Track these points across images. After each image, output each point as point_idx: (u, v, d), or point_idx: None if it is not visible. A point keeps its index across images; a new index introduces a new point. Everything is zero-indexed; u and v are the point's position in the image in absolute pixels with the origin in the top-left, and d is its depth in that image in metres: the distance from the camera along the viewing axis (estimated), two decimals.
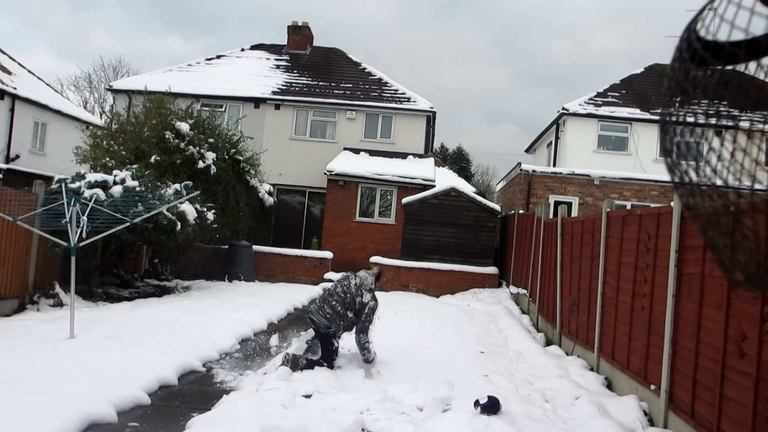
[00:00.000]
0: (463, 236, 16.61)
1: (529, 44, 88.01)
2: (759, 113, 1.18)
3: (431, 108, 21.45)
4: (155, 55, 65.49)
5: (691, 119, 1.25)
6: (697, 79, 1.20)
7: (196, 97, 20.36)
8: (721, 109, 1.20)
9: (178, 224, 11.56)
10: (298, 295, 13.61)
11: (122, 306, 10.49)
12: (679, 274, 5.26)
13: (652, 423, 5.46)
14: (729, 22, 1.10)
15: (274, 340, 8.73)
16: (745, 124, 1.22)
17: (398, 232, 17.62)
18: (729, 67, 1.20)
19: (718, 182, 1.23)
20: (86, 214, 8.31)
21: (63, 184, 9.78)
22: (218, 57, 24.55)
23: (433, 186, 17.71)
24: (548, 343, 9.62)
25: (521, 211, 15.72)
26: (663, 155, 1.36)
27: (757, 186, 1.19)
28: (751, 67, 1.17)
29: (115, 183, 10.80)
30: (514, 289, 13.99)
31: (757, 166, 1.18)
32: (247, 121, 20.60)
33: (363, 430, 5.00)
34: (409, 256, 16.42)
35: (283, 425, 4.76)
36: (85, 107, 40.04)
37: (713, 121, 1.23)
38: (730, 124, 1.20)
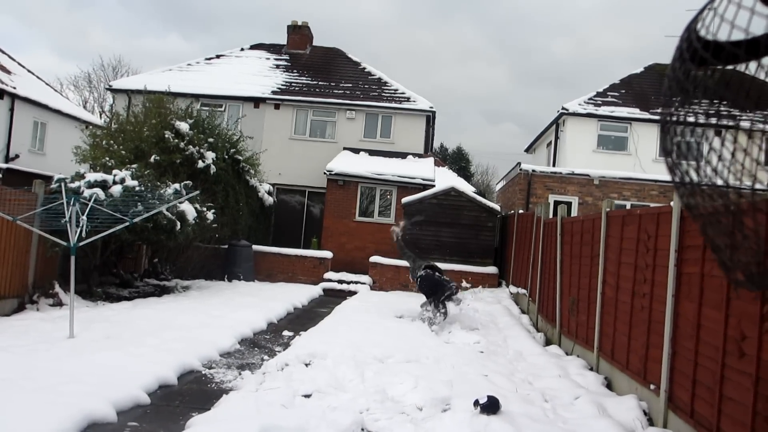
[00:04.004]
0: (463, 236, 16.61)
1: (530, 43, 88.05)
2: (759, 113, 1.18)
3: (431, 107, 21.45)
4: (155, 54, 65.52)
5: (691, 119, 1.25)
6: (697, 78, 1.20)
7: (196, 96, 20.36)
8: (722, 109, 1.19)
9: (178, 224, 11.56)
10: (298, 294, 13.62)
11: (122, 306, 10.48)
12: (678, 274, 5.26)
13: (651, 423, 5.46)
14: (729, 22, 1.10)
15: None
16: (745, 124, 1.22)
17: None
18: (729, 67, 1.20)
19: (719, 182, 1.23)
20: (86, 214, 8.31)
21: (62, 184, 9.78)
22: (218, 56, 24.54)
23: (433, 186, 17.71)
24: (548, 342, 9.62)
25: (521, 211, 15.72)
26: (663, 155, 1.36)
27: (757, 186, 1.19)
28: (752, 67, 1.17)
29: (114, 182, 10.80)
30: (513, 289, 13.99)
31: (757, 165, 1.18)
32: (246, 121, 20.59)
33: (363, 429, 5.00)
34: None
35: (282, 425, 4.76)
36: (84, 107, 40.03)
37: (714, 121, 1.23)
38: (731, 124, 1.20)
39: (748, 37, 1.11)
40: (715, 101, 1.22)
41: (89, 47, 63.26)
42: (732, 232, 1.22)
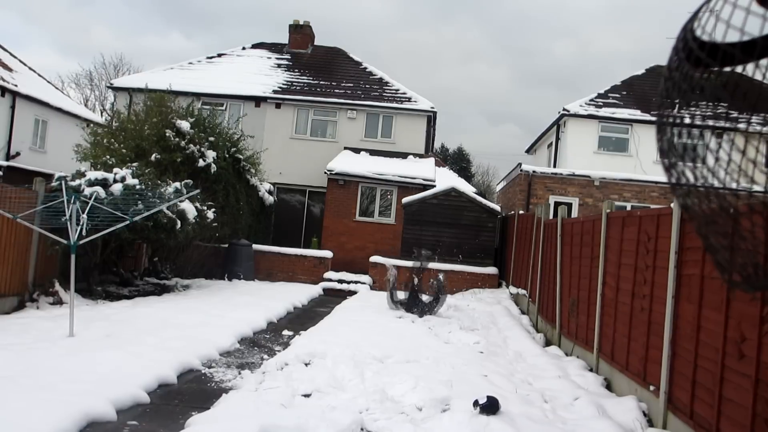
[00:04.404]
0: (463, 236, 16.61)
1: (532, 44, 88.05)
2: (757, 115, 1.18)
3: (432, 108, 21.45)
4: (156, 52, 65.54)
5: (687, 120, 1.25)
6: (693, 79, 1.20)
7: (197, 95, 20.36)
8: (719, 110, 1.19)
9: (178, 223, 11.57)
10: (298, 294, 13.62)
11: (122, 304, 10.49)
12: (678, 276, 5.26)
13: (651, 424, 5.46)
14: (725, 22, 1.10)
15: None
16: (742, 126, 1.22)
17: (398, 231, 17.61)
18: (726, 68, 1.20)
19: (716, 183, 1.23)
20: (86, 212, 8.31)
21: (63, 182, 9.77)
22: (219, 55, 24.54)
23: (434, 186, 17.71)
24: (548, 343, 9.62)
25: (521, 212, 15.72)
26: (659, 156, 1.36)
27: (754, 187, 1.19)
28: (748, 68, 1.17)
29: (115, 181, 10.80)
30: (513, 290, 13.99)
31: (754, 167, 1.18)
32: (247, 120, 20.61)
33: (362, 429, 5.00)
34: (409, 256, 16.40)
35: (282, 424, 4.76)
36: (85, 105, 40.03)
37: (710, 122, 1.23)
38: (728, 125, 1.20)
39: (744, 39, 1.11)
40: (712, 102, 1.22)
41: (91, 45, 63.28)
42: (728, 233, 1.22)
